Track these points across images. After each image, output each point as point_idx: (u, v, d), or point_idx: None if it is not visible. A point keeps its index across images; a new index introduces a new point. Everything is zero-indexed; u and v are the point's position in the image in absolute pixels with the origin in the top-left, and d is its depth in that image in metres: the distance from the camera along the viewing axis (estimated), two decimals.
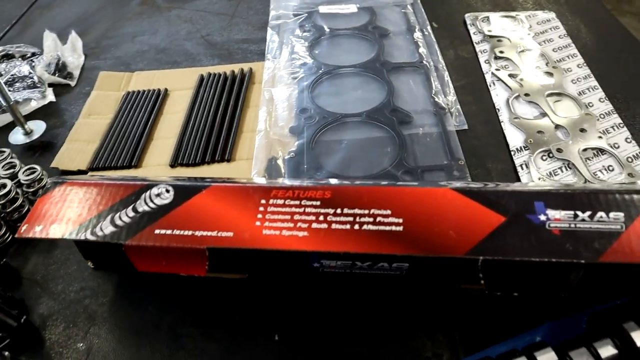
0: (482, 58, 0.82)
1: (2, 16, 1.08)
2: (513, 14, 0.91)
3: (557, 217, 0.41)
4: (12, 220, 0.60)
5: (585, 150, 0.64)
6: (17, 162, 0.63)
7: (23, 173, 0.61)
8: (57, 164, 0.69)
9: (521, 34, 0.85)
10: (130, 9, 1.07)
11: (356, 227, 0.43)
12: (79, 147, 0.72)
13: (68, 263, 0.57)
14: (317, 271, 0.49)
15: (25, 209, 0.61)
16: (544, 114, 0.69)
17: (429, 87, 0.76)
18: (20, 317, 0.49)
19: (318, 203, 0.45)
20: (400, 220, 0.42)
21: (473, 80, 0.78)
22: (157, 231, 0.45)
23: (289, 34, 0.90)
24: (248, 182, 0.49)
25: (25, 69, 0.84)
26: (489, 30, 0.87)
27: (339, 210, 0.44)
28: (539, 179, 0.61)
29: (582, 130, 0.66)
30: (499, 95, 0.74)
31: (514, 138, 0.67)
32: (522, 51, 0.82)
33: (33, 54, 0.90)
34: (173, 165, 0.68)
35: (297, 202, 0.45)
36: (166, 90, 0.81)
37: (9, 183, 0.59)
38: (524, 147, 0.65)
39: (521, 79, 0.76)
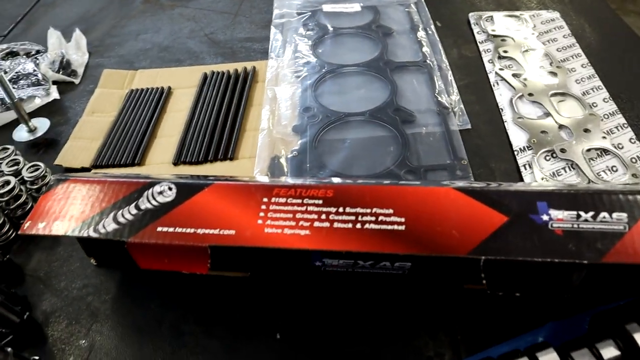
0: (485, 57, 0.82)
1: (6, 14, 1.08)
2: (517, 13, 0.90)
3: (560, 217, 0.41)
4: (15, 217, 0.60)
5: (589, 150, 0.63)
6: (21, 159, 0.63)
7: (27, 170, 0.61)
8: (61, 161, 0.69)
9: (525, 34, 0.85)
10: (134, 7, 1.08)
11: (358, 226, 0.43)
12: (82, 144, 0.72)
13: (71, 260, 0.57)
14: (319, 270, 0.49)
15: (29, 206, 0.61)
16: (547, 114, 0.69)
17: (432, 86, 0.76)
18: (23, 313, 0.49)
19: (320, 202, 0.45)
20: (403, 220, 0.42)
21: (476, 80, 0.78)
22: (159, 229, 0.45)
23: (293, 32, 0.90)
24: (250, 181, 0.49)
25: (29, 66, 0.84)
26: (493, 30, 0.86)
27: (341, 209, 0.44)
28: (542, 179, 0.61)
29: (586, 130, 0.66)
30: (502, 95, 0.74)
31: (517, 138, 0.67)
32: (526, 51, 0.81)
33: (37, 52, 0.91)
34: (176, 163, 0.68)
35: (300, 201, 0.45)
36: (169, 88, 0.82)
37: (13, 180, 0.59)
38: (527, 147, 0.65)
39: (525, 79, 0.75)
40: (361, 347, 0.48)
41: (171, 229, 0.44)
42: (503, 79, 0.76)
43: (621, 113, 0.69)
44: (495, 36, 0.85)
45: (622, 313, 0.41)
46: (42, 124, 0.75)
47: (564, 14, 0.90)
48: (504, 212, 0.42)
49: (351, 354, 0.47)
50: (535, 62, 0.79)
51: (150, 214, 0.46)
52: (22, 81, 0.82)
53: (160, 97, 0.79)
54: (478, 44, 0.85)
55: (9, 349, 0.41)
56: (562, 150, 0.63)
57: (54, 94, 0.81)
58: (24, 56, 0.89)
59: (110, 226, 0.46)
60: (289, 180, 0.49)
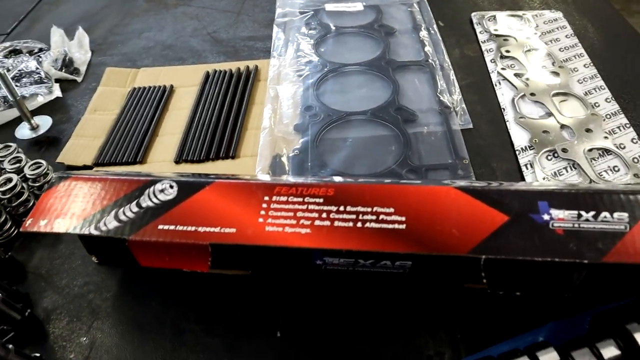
0: (488, 57, 0.82)
1: (10, 12, 1.09)
2: (520, 13, 0.90)
3: (560, 217, 0.41)
4: (17, 214, 0.60)
5: (590, 150, 0.63)
6: (23, 156, 0.63)
7: (29, 168, 0.62)
8: (63, 159, 0.70)
9: (527, 34, 0.85)
10: (137, 5, 1.08)
11: (359, 224, 0.43)
12: (84, 142, 0.72)
13: (72, 258, 0.58)
14: (320, 268, 0.48)
15: (31, 203, 0.61)
16: (549, 114, 0.69)
17: (434, 85, 0.76)
18: (24, 310, 0.50)
19: (321, 200, 0.45)
20: (403, 219, 0.42)
21: (478, 80, 0.78)
22: (160, 227, 0.45)
23: (295, 31, 0.90)
24: (251, 179, 0.49)
25: (32, 64, 0.84)
26: (495, 30, 0.86)
27: (341, 208, 0.44)
28: (544, 178, 0.61)
29: (588, 130, 0.66)
30: (504, 95, 0.74)
31: (519, 137, 0.67)
32: (529, 50, 0.81)
33: (40, 50, 0.91)
34: (178, 161, 0.68)
35: (300, 199, 0.45)
36: (172, 86, 0.82)
37: (15, 177, 0.59)
38: (528, 146, 0.65)
39: (527, 79, 0.75)
40: (362, 345, 0.48)
41: (172, 227, 0.45)
42: (505, 78, 0.76)
43: (623, 113, 0.68)
44: (497, 36, 0.85)
45: (623, 313, 0.41)
46: (44, 122, 0.75)
47: (566, 13, 0.90)
48: (505, 211, 0.42)
49: (352, 353, 0.47)
50: (538, 62, 0.79)
51: (151, 212, 0.46)
52: (24, 79, 0.82)
53: (163, 96, 0.79)
54: (480, 43, 0.85)
55: (10, 346, 0.41)
56: (564, 150, 0.63)
57: (57, 92, 0.82)
58: (27, 54, 0.89)
59: (112, 224, 0.46)
60: (290, 179, 0.49)
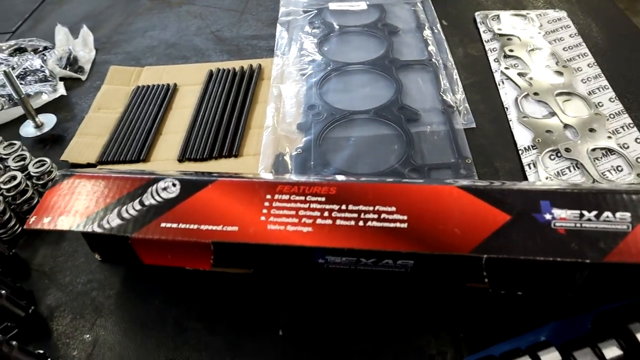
0: (491, 56, 0.81)
1: (15, 10, 1.09)
2: (524, 12, 0.90)
3: (562, 217, 0.41)
4: (21, 212, 0.61)
5: (594, 150, 0.63)
6: (27, 154, 0.64)
7: (33, 165, 0.62)
8: (67, 157, 0.70)
9: (531, 33, 0.85)
10: (141, 4, 1.08)
11: (361, 223, 0.43)
12: (88, 140, 0.73)
13: (76, 255, 0.58)
14: (322, 267, 0.49)
15: (35, 201, 0.61)
16: (552, 113, 0.69)
17: (438, 85, 0.76)
18: (28, 307, 0.50)
19: (323, 199, 0.45)
20: (405, 218, 0.42)
21: (482, 79, 0.78)
22: (163, 224, 0.45)
23: (299, 30, 0.90)
24: (254, 177, 0.49)
25: (37, 62, 0.85)
26: (499, 29, 0.86)
27: (343, 207, 0.44)
28: (547, 178, 0.60)
29: (592, 130, 0.66)
30: (507, 94, 0.74)
31: (522, 137, 0.66)
32: (532, 50, 0.81)
33: (45, 48, 0.91)
34: (181, 160, 0.68)
35: (302, 198, 0.45)
36: (175, 85, 0.82)
37: (19, 175, 0.59)
38: (532, 146, 0.65)
39: (530, 78, 0.75)
40: (363, 345, 0.48)
41: (175, 225, 0.45)
42: (508, 78, 0.76)
43: (627, 113, 0.68)
44: (501, 35, 0.85)
45: (625, 313, 0.41)
46: (48, 120, 0.76)
47: (571, 13, 0.90)
48: (507, 210, 0.42)
49: (353, 352, 0.47)
50: (541, 62, 0.79)
51: (154, 210, 0.46)
52: (29, 77, 0.82)
53: (166, 94, 0.80)
54: (484, 42, 0.85)
55: (14, 343, 0.41)
56: (567, 150, 0.63)
57: (61, 90, 0.82)
58: (32, 52, 0.90)
59: (115, 221, 0.46)
60: (293, 178, 0.49)
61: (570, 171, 0.61)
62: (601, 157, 0.63)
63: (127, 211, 0.46)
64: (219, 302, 0.52)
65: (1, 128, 0.77)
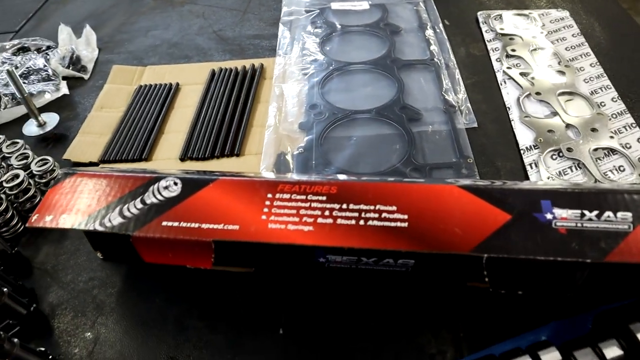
0: (493, 56, 0.81)
1: (18, 10, 1.10)
2: (526, 12, 0.90)
3: (563, 216, 0.41)
4: (24, 210, 0.61)
5: (596, 150, 0.63)
6: (30, 153, 0.64)
7: (36, 164, 0.62)
8: (69, 155, 0.70)
9: (534, 32, 0.84)
10: (144, 3, 1.08)
11: (361, 222, 0.43)
12: (91, 139, 0.73)
13: (78, 253, 0.58)
14: (323, 266, 0.49)
15: (37, 199, 0.61)
16: (555, 113, 0.69)
17: (440, 84, 0.76)
18: (30, 305, 0.50)
19: (324, 198, 0.45)
20: (406, 217, 0.42)
21: (484, 79, 0.78)
22: (164, 223, 0.45)
23: (301, 30, 0.90)
24: (255, 176, 0.49)
25: (40, 62, 0.85)
26: (501, 29, 0.86)
27: (344, 206, 0.44)
28: (548, 178, 0.60)
29: (594, 129, 0.66)
30: (509, 94, 0.74)
31: (524, 137, 0.66)
32: (535, 50, 0.81)
33: (48, 47, 0.92)
34: (183, 159, 0.69)
35: (303, 197, 0.45)
36: (178, 84, 0.82)
37: (22, 174, 0.60)
38: (533, 146, 0.65)
39: (532, 78, 0.75)
40: (364, 343, 0.48)
41: (176, 224, 0.45)
42: (510, 77, 0.76)
43: (629, 113, 0.68)
44: (503, 35, 0.85)
45: (626, 312, 0.41)
46: (51, 119, 0.76)
47: (573, 13, 0.89)
48: (508, 210, 0.42)
49: (354, 351, 0.47)
50: (544, 61, 0.79)
51: (155, 209, 0.46)
52: (32, 76, 0.83)
53: (169, 93, 0.80)
54: (486, 42, 0.85)
55: (16, 340, 0.41)
56: (569, 150, 0.63)
57: (64, 89, 0.82)
58: (35, 52, 0.90)
59: (116, 220, 0.46)
60: (295, 177, 0.49)
61: (572, 171, 0.61)
62: (603, 157, 0.62)
63: (128, 210, 0.47)
64: (220, 300, 0.52)
65: (4, 127, 0.78)
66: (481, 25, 0.89)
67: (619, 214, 0.40)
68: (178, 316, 0.51)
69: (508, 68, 0.78)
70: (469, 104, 0.72)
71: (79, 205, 0.48)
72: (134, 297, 0.54)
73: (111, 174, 0.50)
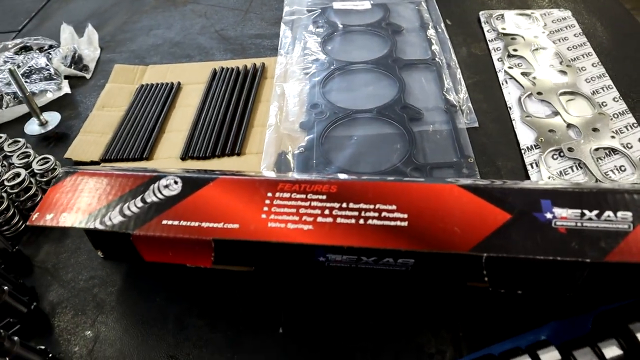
0: (495, 56, 0.81)
1: (20, 9, 1.10)
2: (528, 11, 0.90)
3: (563, 216, 0.41)
4: (25, 208, 0.61)
5: (597, 149, 0.63)
6: (31, 152, 0.64)
7: (37, 163, 0.62)
8: (71, 154, 0.70)
9: (536, 32, 0.84)
10: (146, 3, 1.08)
11: (361, 221, 0.43)
12: (92, 138, 0.73)
13: (78, 252, 0.58)
14: (323, 265, 0.49)
15: (39, 198, 0.61)
16: (556, 113, 0.69)
17: (441, 84, 0.76)
18: (30, 303, 0.50)
19: (324, 197, 0.45)
20: (405, 216, 0.42)
21: (485, 78, 0.78)
22: (164, 222, 0.45)
23: (302, 29, 0.90)
24: (255, 175, 0.49)
25: (42, 61, 0.85)
26: (503, 28, 0.86)
27: (344, 205, 0.44)
28: (549, 177, 0.60)
29: (595, 129, 0.65)
30: (511, 94, 0.73)
31: (525, 136, 0.66)
32: (536, 49, 0.81)
33: (50, 47, 0.92)
34: (184, 158, 0.69)
35: (303, 196, 0.45)
36: (179, 83, 0.82)
37: (23, 172, 0.60)
38: (534, 145, 0.65)
39: (534, 77, 0.75)
40: (364, 342, 0.48)
41: (176, 222, 0.45)
42: (512, 77, 0.76)
43: (631, 112, 0.68)
44: (505, 34, 0.85)
45: (626, 312, 0.41)
46: (53, 118, 0.76)
47: (575, 12, 0.89)
48: (508, 209, 0.42)
49: (354, 350, 0.47)
50: (545, 61, 0.78)
51: (155, 207, 0.46)
52: (34, 75, 0.83)
53: (170, 93, 0.80)
54: (488, 42, 0.85)
55: (16, 338, 0.41)
56: (570, 150, 0.63)
57: (66, 88, 0.82)
58: (37, 51, 0.90)
59: (117, 219, 0.46)
60: (295, 176, 0.49)
61: (573, 171, 0.61)
62: (604, 157, 0.62)
63: (129, 208, 0.47)
64: (220, 299, 0.52)
65: (6, 125, 0.78)
66: (483, 25, 0.88)
67: (619, 214, 0.40)
68: (178, 315, 0.51)
69: (509, 68, 0.77)
70: (470, 104, 0.72)
71: (80, 204, 0.48)
72: (134, 295, 0.54)
73: (112, 173, 0.50)
